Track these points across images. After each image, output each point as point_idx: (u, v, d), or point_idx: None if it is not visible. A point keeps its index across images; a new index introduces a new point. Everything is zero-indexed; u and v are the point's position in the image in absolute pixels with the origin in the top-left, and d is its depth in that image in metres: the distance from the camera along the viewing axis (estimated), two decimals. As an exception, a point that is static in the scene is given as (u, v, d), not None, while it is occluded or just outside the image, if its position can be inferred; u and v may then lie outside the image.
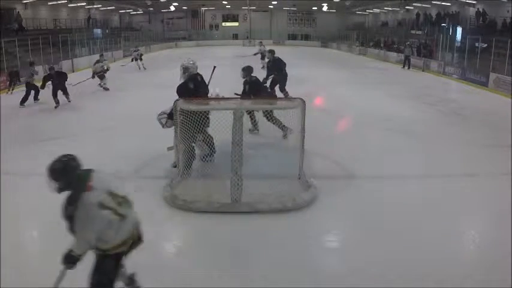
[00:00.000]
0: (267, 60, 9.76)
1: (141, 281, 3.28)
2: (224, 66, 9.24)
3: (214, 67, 6.00)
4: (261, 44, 18.61)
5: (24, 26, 21.30)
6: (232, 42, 41.18)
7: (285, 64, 9.31)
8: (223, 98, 5.38)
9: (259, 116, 4.92)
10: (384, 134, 7.66)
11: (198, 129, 4.82)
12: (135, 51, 19.46)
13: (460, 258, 3.68)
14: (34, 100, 10.22)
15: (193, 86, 5.22)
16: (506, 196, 4.66)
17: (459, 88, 14.05)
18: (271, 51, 9.57)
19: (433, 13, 26.35)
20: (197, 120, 4.72)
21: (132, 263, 3.51)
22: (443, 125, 8.42)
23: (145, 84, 13.82)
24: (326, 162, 5.89)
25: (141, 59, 18.56)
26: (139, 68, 18.30)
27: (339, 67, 20.37)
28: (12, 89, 12.16)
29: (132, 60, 18.92)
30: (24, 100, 10.07)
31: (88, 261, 3.49)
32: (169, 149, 5.34)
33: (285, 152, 5.27)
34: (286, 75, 9.28)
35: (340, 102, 10.72)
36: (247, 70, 6.73)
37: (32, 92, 10.24)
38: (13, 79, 12.28)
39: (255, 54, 17.44)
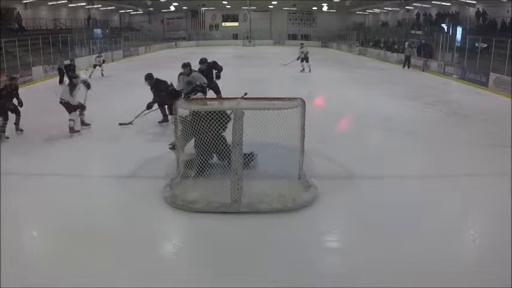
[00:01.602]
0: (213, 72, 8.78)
1: (142, 281, 3.28)
2: (224, 67, 9.22)
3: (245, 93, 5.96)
4: (302, 46, 17.28)
5: (24, 26, 21.30)
6: (232, 42, 41.21)
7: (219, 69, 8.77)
8: (223, 98, 5.39)
9: (257, 114, 4.91)
10: (384, 134, 7.67)
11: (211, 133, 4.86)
12: (98, 57, 16.74)
13: (459, 258, 3.68)
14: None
15: None
16: (506, 196, 4.66)
17: (459, 88, 14.05)
18: (202, 61, 8.63)
19: (433, 13, 26.37)
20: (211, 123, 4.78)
21: (132, 262, 3.52)
22: (444, 125, 8.42)
23: (143, 84, 13.80)
24: (326, 162, 5.89)
25: (100, 65, 16.08)
26: (89, 76, 14.48)
27: (339, 67, 20.39)
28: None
29: (94, 67, 16.08)
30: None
31: (84, 263, 3.51)
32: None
33: (285, 152, 5.27)
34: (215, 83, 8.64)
35: (340, 102, 10.72)
36: (149, 77, 7.75)
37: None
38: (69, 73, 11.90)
39: (298, 59, 16.63)
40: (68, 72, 12.32)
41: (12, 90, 7.28)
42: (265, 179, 4.86)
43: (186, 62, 8.11)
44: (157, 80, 7.85)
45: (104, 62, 16.80)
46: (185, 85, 7.56)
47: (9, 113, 7.26)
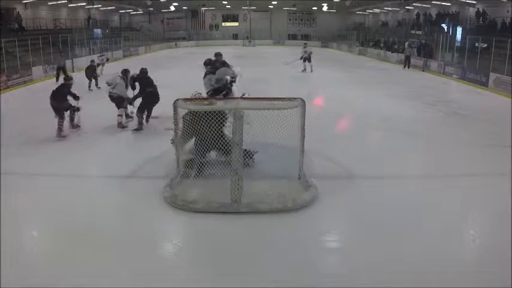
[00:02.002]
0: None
1: (141, 281, 3.28)
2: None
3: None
4: (305, 45, 17.46)
5: (24, 26, 21.30)
6: (232, 42, 41.21)
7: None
8: (224, 98, 5.40)
9: (257, 114, 4.94)
10: (384, 134, 7.66)
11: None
12: (100, 56, 17.24)
13: (460, 258, 3.68)
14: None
15: None
16: (506, 196, 4.66)
17: (459, 88, 14.05)
18: (218, 55, 8.43)
19: (433, 13, 26.37)
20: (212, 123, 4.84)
21: (132, 262, 3.52)
22: (444, 125, 8.42)
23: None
24: (326, 162, 5.89)
25: (103, 64, 15.92)
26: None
27: (339, 67, 20.38)
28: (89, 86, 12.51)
29: (98, 65, 15.68)
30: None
31: (84, 263, 3.50)
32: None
33: (285, 152, 5.27)
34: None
35: (340, 102, 10.71)
36: (141, 71, 7.82)
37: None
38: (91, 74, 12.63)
39: (301, 58, 16.70)
40: (86, 71, 12.77)
41: (63, 88, 7.42)
42: (265, 179, 4.86)
43: (207, 60, 7.77)
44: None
45: (107, 60, 16.94)
46: (213, 84, 7.05)
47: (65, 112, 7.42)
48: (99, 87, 12.00)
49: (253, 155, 5.44)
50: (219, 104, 5.13)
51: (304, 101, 4.78)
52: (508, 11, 18.71)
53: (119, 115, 7.62)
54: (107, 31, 30.94)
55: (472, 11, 22.01)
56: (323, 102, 11.07)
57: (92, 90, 12.25)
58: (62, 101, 7.23)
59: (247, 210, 4.31)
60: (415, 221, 4.25)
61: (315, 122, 7.44)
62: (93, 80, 12.51)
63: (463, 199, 4.80)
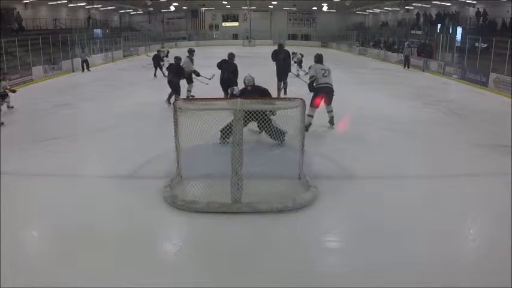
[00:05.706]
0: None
1: (142, 281, 3.28)
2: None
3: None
4: (294, 54, 17.58)
5: (24, 26, 21.30)
6: (232, 42, 41.22)
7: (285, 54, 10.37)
8: (224, 98, 5.40)
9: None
10: (383, 134, 7.66)
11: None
12: (162, 47, 20.28)
13: (459, 259, 3.68)
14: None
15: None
16: (506, 196, 4.66)
17: (459, 88, 14.05)
18: (280, 45, 10.75)
19: (433, 13, 26.39)
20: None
21: (132, 262, 3.53)
22: (443, 125, 8.42)
23: (144, 84, 13.86)
24: (326, 162, 5.89)
25: (166, 56, 16.41)
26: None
27: (339, 67, 20.35)
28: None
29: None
30: None
31: (84, 263, 3.51)
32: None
33: (285, 152, 5.27)
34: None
35: (340, 102, 10.68)
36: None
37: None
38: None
39: (295, 63, 16.75)
40: (153, 60, 15.02)
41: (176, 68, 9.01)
42: (265, 179, 4.85)
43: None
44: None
45: (168, 52, 17.60)
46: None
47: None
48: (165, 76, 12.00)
49: (284, 134, 5.75)
50: (219, 104, 5.12)
51: (304, 101, 4.78)
52: (508, 11, 18.73)
53: (188, 90, 9.41)
54: (107, 31, 30.95)
55: (472, 11, 22.03)
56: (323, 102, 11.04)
57: (156, 77, 14.34)
58: (174, 77, 8.85)
59: (248, 211, 4.31)
60: (415, 221, 4.25)
61: (315, 121, 7.46)
62: (158, 68, 14.56)
63: (462, 199, 4.80)
